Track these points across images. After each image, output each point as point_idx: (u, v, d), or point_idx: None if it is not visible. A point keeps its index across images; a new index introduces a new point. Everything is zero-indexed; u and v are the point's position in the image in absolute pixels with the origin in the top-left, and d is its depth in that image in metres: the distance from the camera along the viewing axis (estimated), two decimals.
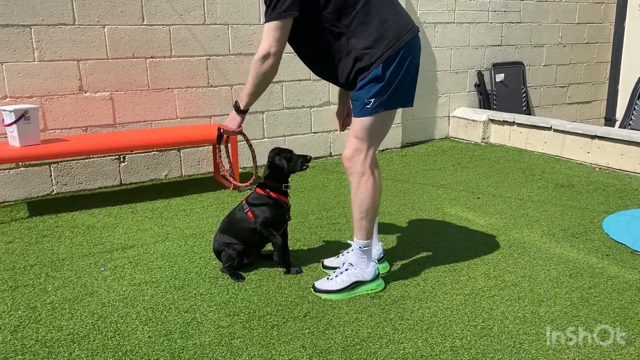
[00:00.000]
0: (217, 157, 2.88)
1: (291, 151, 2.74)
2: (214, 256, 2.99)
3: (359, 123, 2.44)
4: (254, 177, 2.96)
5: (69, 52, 4.07)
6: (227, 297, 2.55)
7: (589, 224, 3.49)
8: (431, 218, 3.62)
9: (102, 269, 2.87)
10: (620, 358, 2.08)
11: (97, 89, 4.22)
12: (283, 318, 2.37)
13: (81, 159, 4.24)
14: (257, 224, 2.69)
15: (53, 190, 4.19)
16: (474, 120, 5.92)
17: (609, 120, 7.27)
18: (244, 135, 2.70)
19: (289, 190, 2.78)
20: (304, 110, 5.10)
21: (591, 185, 4.34)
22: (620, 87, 7.13)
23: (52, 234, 3.38)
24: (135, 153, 4.43)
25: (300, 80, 5.02)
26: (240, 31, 4.69)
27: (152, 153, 4.50)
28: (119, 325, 2.33)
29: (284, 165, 2.67)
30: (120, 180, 4.42)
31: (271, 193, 2.71)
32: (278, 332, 2.27)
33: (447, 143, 5.96)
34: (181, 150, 4.62)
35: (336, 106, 2.98)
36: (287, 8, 2.26)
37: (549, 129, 5.30)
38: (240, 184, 3.08)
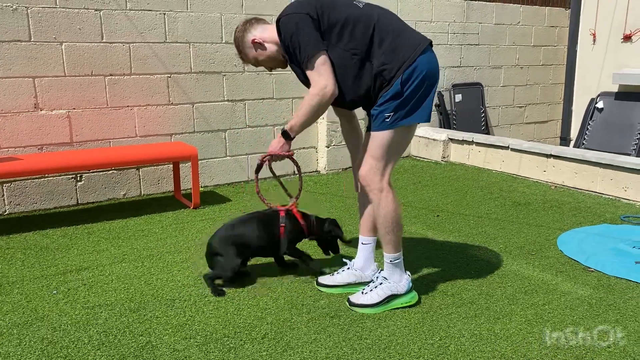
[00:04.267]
0: (257, 187, 2.94)
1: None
2: (171, 277, 2.93)
3: (376, 139, 2.49)
4: (296, 199, 3.00)
5: (24, 69, 3.98)
6: (183, 320, 2.51)
7: (544, 241, 3.57)
8: None
9: (55, 292, 2.78)
10: None
11: (54, 107, 4.13)
12: (241, 340, 2.34)
13: (35, 179, 4.12)
14: (286, 242, 2.90)
15: (5, 211, 4.05)
16: (434, 140, 6.03)
17: (564, 140, 7.51)
18: (294, 159, 2.76)
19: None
20: (267, 128, 5.09)
21: (547, 203, 4.46)
22: (574, 107, 7.39)
23: (2, 255, 3.26)
24: (93, 172, 4.33)
25: (263, 98, 5.01)
26: (202, 50, 4.68)
27: (110, 172, 4.41)
28: (69, 350, 2.25)
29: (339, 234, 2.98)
30: (77, 200, 4.32)
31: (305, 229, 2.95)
32: (235, 354, 2.23)
33: (409, 162, 6.04)
34: (140, 169, 4.54)
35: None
36: (314, 46, 2.39)
37: (507, 148, 5.44)
38: (278, 207, 3.02)
